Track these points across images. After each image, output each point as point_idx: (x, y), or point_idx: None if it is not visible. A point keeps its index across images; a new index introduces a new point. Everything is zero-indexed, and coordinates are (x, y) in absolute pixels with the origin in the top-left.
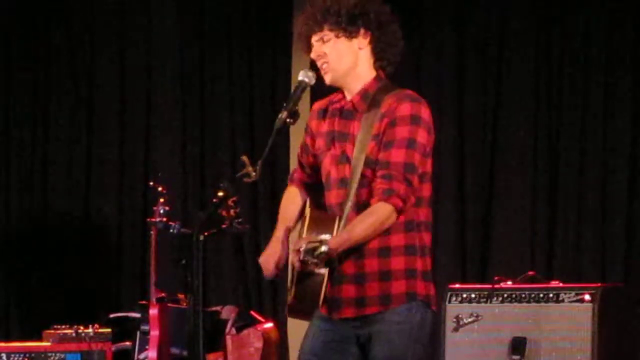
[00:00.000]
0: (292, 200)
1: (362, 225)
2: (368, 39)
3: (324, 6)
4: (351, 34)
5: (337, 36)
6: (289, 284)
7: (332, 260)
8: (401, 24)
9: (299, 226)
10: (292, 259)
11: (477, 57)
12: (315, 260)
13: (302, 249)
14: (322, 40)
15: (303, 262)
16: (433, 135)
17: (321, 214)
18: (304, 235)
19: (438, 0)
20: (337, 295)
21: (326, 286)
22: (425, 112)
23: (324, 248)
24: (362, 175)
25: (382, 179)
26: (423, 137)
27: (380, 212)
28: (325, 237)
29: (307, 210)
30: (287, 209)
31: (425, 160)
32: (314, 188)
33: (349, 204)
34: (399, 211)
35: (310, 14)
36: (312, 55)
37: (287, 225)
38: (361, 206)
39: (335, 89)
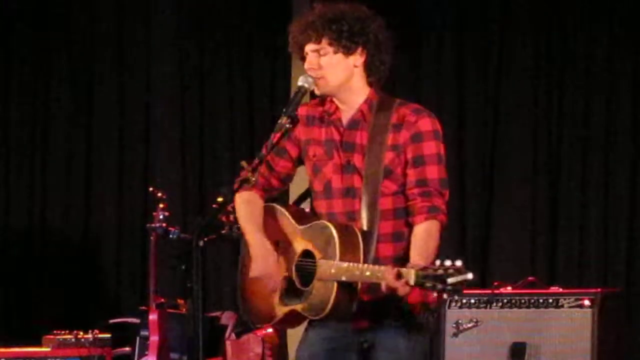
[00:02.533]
0: (257, 205)
1: (430, 250)
2: (364, 58)
3: (326, 18)
4: (349, 51)
5: (335, 52)
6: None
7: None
8: (401, 27)
9: (302, 238)
10: (402, 290)
11: (477, 58)
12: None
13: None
14: (318, 52)
15: (443, 290)
16: None
17: (345, 233)
18: (337, 256)
19: (438, 3)
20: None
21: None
22: (440, 126)
23: (470, 276)
24: (382, 186)
25: (423, 196)
26: (443, 150)
27: (436, 233)
28: (458, 264)
29: (333, 231)
30: (254, 213)
31: None
32: (316, 195)
33: (377, 215)
34: (444, 226)
35: (310, 22)
36: (306, 66)
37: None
38: (384, 214)
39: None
